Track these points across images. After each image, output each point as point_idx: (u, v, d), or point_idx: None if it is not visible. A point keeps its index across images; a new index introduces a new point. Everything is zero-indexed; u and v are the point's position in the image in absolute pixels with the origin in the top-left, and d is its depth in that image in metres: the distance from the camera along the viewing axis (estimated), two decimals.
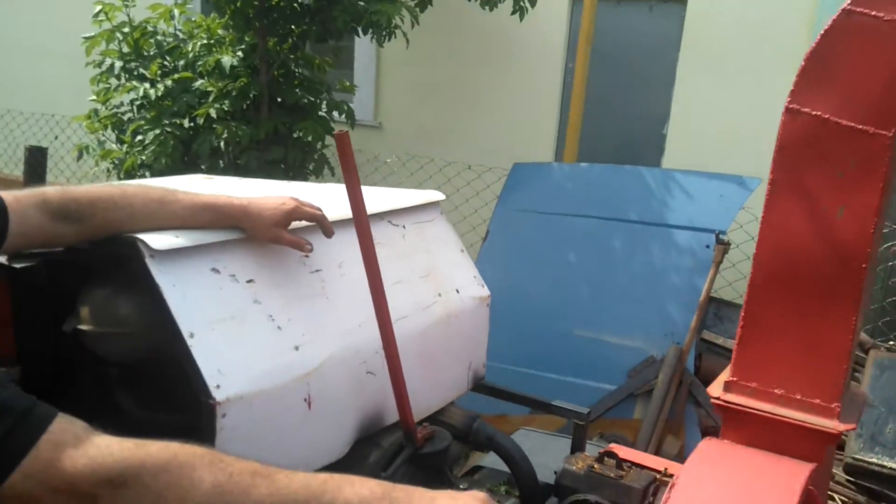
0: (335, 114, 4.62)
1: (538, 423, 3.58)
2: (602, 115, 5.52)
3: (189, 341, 1.23)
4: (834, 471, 3.49)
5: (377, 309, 1.50)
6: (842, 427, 1.52)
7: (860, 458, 3.33)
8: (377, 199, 1.94)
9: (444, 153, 5.11)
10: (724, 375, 1.67)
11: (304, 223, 1.53)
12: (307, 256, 1.54)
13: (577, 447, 2.14)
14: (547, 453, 2.23)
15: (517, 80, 5.48)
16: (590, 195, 4.07)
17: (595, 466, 1.85)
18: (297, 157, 4.42)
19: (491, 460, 2.28)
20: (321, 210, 1.50)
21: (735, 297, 4.21)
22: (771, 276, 1.55)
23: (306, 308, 1.51)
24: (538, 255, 4.08)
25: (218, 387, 1.24)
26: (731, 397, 1.62)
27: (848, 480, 3.43)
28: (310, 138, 4.36)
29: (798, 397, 1.56)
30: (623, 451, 1.91)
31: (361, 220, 1.42)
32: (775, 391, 1.58)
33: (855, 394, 1.71)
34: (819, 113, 1.44)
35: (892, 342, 3.70)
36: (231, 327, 1.31)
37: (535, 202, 4.15)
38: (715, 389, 1.66)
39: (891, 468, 3.28)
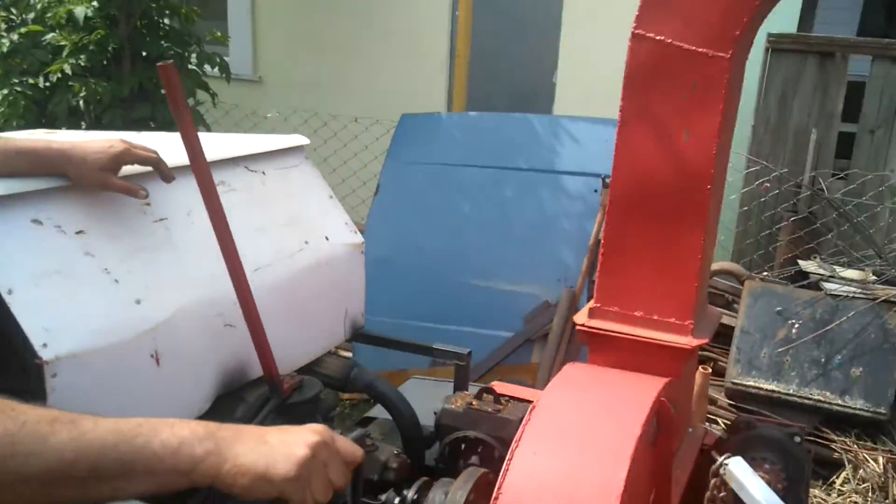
0: (207, 67, 4.43)
1: (439, 375, 3.64)
2: (493, 63, 5.52)
3: (7, 298, 1.16)
4: (716, 395, 3.72)
5: (226, 257, 1.46)
6: (695, 342, 1.60)
7: (738, 382, 3.56)
8: (233, 144, 1.88)
9: (329, 107, 5.00)
10: (591, 303, 1.73)
11: (142, 169, 1.46)
12: (148, 204, 1.48)
13: (459, 387, 2.18)
14: (438, 400, 2.27)
15: (404, 29, 5.41)
16: (480, 144, 4.10)
17: (473, 403, 1.89)
18: (168, 114, 4.22)
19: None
20: (156, 153, 1.43)
21: None
22: (626, 202, 1.61)
23: (149, 259, 1.45)
24: (431, 207, 4.09)
25: (45, 345, 1.18)
26: (595, 323, 1.69)
27: (730, 404, 3.67)
28: None
29: (655, 318, 1.63)
30: (501, 387, 1.96)
31: (199, 162, 1.37)
32: (635, 314, 1.65)
33: (710, 312, 1.81)
34: (662, 38, 1.48)
35: (766, 273, 3.94)
36: (58, 282, 1.25)
37: (426, 154, 4.14)
38: (580, 317, 1.72)
39: (767, 390, 3.52)
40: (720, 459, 1.19)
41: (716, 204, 1.65)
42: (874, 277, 3.62)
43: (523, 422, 1.39)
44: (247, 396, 1.73)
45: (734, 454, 1.79)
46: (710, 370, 3.15)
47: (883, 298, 3.46)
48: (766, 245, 4.16)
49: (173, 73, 1.29)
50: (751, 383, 3.55)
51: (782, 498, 1.72)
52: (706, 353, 3.91)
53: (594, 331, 1.69)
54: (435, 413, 1.94)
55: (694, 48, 1.46)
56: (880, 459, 3.37)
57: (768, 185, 3.99)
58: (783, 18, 4.29)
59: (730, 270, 3.87)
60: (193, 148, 1.34)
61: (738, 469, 1.16)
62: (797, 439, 1.74)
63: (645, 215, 1.59)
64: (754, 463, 1.80)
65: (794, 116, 4.13)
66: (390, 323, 4.05)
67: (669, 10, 1.48)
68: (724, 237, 4.23)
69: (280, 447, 0.89)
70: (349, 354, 3.99)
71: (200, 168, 1.36)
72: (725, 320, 3.82)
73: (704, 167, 1.51)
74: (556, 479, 1.30)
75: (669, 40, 1.48)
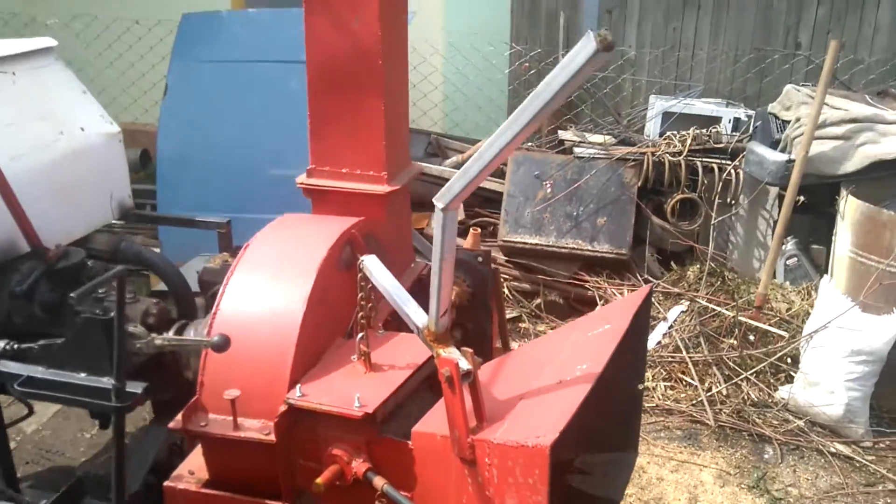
0: None
1: None
2: None
3: None
4: (495, 254, 4.36)
5: None
6: (388, 189, 2.07)
7: (508, 239, 4.20)
8: None
9: (112, 10, 4.96)
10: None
11: None
12: None
13: (223, 251, 2.57)
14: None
15: None
16: (264, 40, 4.29)
17: (229, 259, 2.30)
18: None
19: None
20: None
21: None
22: (320, 79, 2.02)
23: None
24: (222, 103, 4.28)
25: None
26: (312, 181, 2.13)
27: (506, 259, 4.32)
28: None
29: (358, 172, 2.09)
30: None
31: None
32: (342, 171, 2.10)
33: (413, 166, 2.29)
34: None
35: (530, 144, 4.54)
36: None
37: (211, 52, 4.30)
38: (301, 178, 2.15)
39: (531, 243, 4.18)
40: (360, 258, 1.66)
41: (396, 75, 2.09)
42: (613, 140, 4.31)
43: (238, 255, 1.82)
44: (19, 266, 2.05)
45: None
46: (479, 231, 3.73)
47: (618, 156, 4.15)
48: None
49: None
50: (518, 239, 4.19)
51: (469, 303, 2.30)
52: (486, 218, 4.53)
53: (312, 187, 2.13)
54: (197, 272, 2.33)
55: None
56: (626, 292, 4.13)
57: (527, 64, 4.54)
58: None
59: None
60: None
61: (370, 263, 1.64)
62: (480, 259, 2.30)
63: (336, 89, 2.02)
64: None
65: (543, 2, 4.65)
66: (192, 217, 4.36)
67: None
68: (495, 115, 4.78)
69: None
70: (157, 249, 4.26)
71: None
72: (500, 188, 4.42)
73: (373, 45, 1.94)
74: (260, 293, 1.75)
75: None
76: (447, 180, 4.16)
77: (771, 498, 2.84)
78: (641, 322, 1.80)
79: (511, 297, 4.17)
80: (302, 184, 2.13)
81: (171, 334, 2.04)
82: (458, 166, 4.49)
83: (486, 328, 2.55)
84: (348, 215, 2.06)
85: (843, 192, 3.49)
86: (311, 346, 1.73)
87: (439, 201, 1.28)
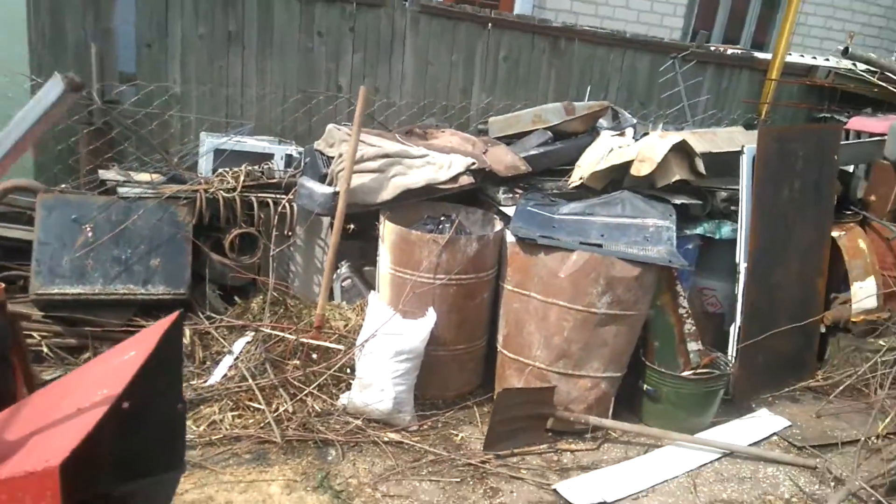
0: None
1: None
2: None
3: None
4: (29, 311, 3.79)
5: None
6: None
7: (43, 291, 3.70)
8: None
9: None
10: None
11: None
12: None
13: None
14: None
15: None
16: None
17: None
18: None
19: None
20: None
21: None
22: None
23: None
24: None
25: None
26: None
27: (44, 315, 3.79)
28: None
29: None
30: None
31: None
32: None
33: None
34: None
35: (66, 186, 4.12)
36: None
37: None
38: None
39: (73, 294, 3.74)
40: None
41: None
42: (163, 178, 4.14)
43: None
44: None
45: None
46: (3, 286, 3.19)
47: (169, 195, 3.99)
48: (66, 158, 4.32)
49: None
50: (56, 291, 3.72)
51: None
52: (14, 272, 3.93)
53: None
54: None
55: None
56: (187, 332, 3.93)
57: None
58: None
59: (25, 186, 3.91)
60: None
61: None
62: None
63: None
64: None
65: (69, 32, 4.31)
66: None
67: None
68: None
69: None
70: None
71: None
72: (28, 236, 3.88)
73: None
74: None
75: None
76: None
77: (333, 492, 3.00)
78: (173, 345, 1.84)
79: (53, 355, 3.66)
80: None
81: None
82: None
83: (10, 382, 2.22)
84: None
85: (382, 218, 3.87)
86: None
87: None
